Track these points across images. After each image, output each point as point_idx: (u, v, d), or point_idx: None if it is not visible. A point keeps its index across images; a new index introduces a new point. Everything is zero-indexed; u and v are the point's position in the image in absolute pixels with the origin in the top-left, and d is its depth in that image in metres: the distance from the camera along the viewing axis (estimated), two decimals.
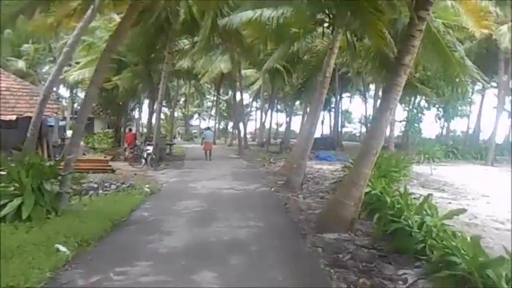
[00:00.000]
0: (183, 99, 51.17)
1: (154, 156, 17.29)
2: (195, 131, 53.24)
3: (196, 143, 36.61)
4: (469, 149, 27.05)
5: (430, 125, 33.15)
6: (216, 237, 7.04)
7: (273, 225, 8.13)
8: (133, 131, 24.43)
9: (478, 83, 19.14)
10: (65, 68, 18.80)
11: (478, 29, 10.65)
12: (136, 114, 36.17)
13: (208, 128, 28.31)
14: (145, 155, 17.56)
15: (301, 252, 6.55)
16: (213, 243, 6.74)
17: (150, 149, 17.55)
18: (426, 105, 29.29)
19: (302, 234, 7.54)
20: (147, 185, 11.94)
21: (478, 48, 19.23)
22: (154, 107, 22.15)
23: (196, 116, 58.91)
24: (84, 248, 6.07)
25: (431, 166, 18.00)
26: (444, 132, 34.90)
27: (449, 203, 10.19)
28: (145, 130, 27.53)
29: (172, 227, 7.66)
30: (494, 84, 28.53)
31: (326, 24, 13.80)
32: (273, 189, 12.66)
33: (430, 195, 7.11)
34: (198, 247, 6.50)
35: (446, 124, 34.40)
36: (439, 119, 31.85)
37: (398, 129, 33.22)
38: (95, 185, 11.44)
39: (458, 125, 36.62)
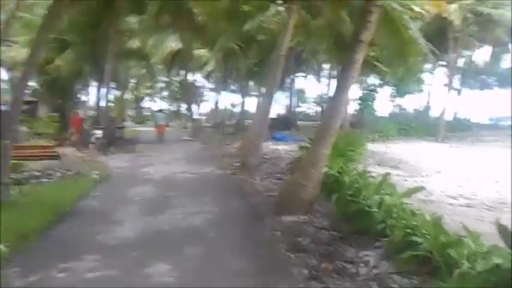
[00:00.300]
0: (133, 80, 49.31)
1: (103, 141, 16.45)
2: (148, 113, 51.64)
3: (148, 126, 35.50)
4: (421, 127, 27.86)
5: (383, 104, 33.82)
6: (171, 225, 6.67)
7: (230, 210, 7.86)
8: (80, 115, 23.18)
9: (428, 62, 19.74)
10: (3, 48, 17.38)
11: (430, 8, 10.70)
12: (84, 97, 34.43)
13: (161, 110, 27.48)
14: (93, 140, 16.67)
15: (260, 237, 6.34)
16: (167, 231, 6.37)
17: (99, 133, 16.69)
18: (379, 83, 29.87)
19: (260, 217, 7.32)
20: (95, 172, 11.25)
21: (428, 27, 19.68)
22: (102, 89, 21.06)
23: (148, 98, 57.11)
24: (23, 243, 5.51)
25: (386, 144, 18.34)
26: (397, 110, 35.85)
27: (405, 180, 10.32)
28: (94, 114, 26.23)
29: (123, 216, 7.19)
30: (443, 63, 29.45)
31: (280, 2, 13.50)
32: (229, 171, 12.37)
33: (388, 174, 7.06)
34: (151, 237, 6.12)
35: (398, 102, 35.35)
36: (393, 97, 32.67)
37: (352, 108, 33.75)
38: (38, 173, 10.62)
39: (410, 103, 37.65)
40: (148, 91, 54.15)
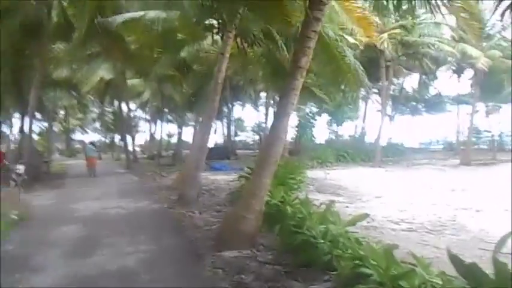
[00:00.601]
0: (62, 112, 46.82)
1: (25, 177, 15.06)
2: (78, 146, 49.10)
3: (79, 159, 33.63)
4: (357, 152, 28.63)
5: (320, 131, 34.65)
6: (99, 269, 5.94)
7: (167, 248, 7.24)
8: (1, 149, 21.33)
9: (362, 89, 20.50)
10: None
11: (363, 37, 11.02)
12: (6, 129, 31.98)
13: (92, 143, 26.01)
14: (14, 176, 15.20)
15: (200, 277, 5.80)
16: (95, 277, 5.65)
17: (21, 168, 15.26)
18: (316, 111, 30.57)
19: (200, 254, 6.80)
20: (14, 212, 10.10)
21: (361, 55, 20.57)
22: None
23: (79, 129, 54.43)
24: None
25: (325, 170, 18.49)
26: (333, 137, 36.78)
27: (347, 207, 10.25)
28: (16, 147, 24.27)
29: (43, 261, 6.34)
30: (375, 90, 30.83)
31: (216, 30, 13.34)
32: (165, 205, 11.68)
33: (332, 202, 6.88)
34: (75, 284, 5.38)
35: (335, 129, 36.32)
36: (330, 124, 33.57)
37: (290, 135, 34.22)
38: None
39: (345, 130, 38.92)
40: (79, 122, 51.66)
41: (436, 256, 6.22)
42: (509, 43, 23.25)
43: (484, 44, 23.00)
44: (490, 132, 31.45)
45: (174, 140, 46.60)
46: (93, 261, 6.34)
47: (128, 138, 28.96)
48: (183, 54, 16.16)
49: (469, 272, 3.31)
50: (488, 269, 3.49)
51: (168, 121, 45.71)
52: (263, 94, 35.59)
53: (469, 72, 27.95)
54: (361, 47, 12.44)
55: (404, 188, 14.08)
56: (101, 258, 6.49)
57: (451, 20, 22.92)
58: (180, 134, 34.09)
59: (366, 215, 6.68)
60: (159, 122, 37.66)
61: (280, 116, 7.08)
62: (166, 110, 36.31)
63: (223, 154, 29.69)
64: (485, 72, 22.77)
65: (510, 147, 34.90)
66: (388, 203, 11.03)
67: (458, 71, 29.68)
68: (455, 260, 3.39)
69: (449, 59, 26.09)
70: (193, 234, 8.21)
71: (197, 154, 12.89)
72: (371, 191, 13.33)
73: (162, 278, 5.64)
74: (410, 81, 35.71)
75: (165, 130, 46.83)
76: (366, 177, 18.08)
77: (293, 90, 6.84)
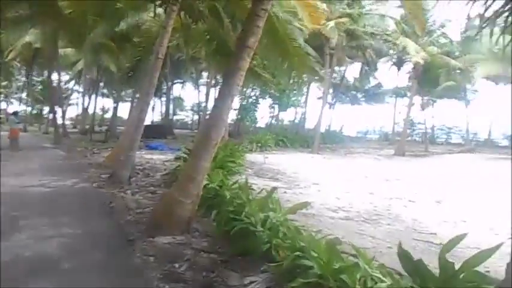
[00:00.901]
0: None
1: None
2: (1, 116, 45.43)
3: (2, 130, 31.09)
4: (297, 138, 28.89)
5: (261, 114, 34.58)
6: (15, 256, 5.29)
7: (94, 232, 6.67)
8: None
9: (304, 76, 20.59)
10: None
11: (310, 24, 10.82)
12: None
13: (15, 113, 23.92)
14: None
15: (129, 265, 5.36)
16: (10, 264, 5.01)
17: None
18: (259, 94, 30.43)
19: (130, 240, 6.32)
20: None
21: (306, 42, 20.52)
22: None
23: (2, 98, 50.30)
24: None
25: (265, 155, 18.39)
26: (273, 121, 36.91)
27: (285, 192, 10.16)
28: None
29: None
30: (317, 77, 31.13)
31: (159, 2, 12.58)
32: (95, 184, 10.93)
33: (275, 188, 6.66)
34: None
35: (276, 114, 36.40)
36: (273, 108, 33.61)
37: (230, 117, 33.87)
38: None
39: (286, 115, 39.17)
40: (2, 90, 47.68)
41: (373, 246, 6.26)
42: (448, 40, 24.43)
43: (425, 39, 23.92)
44: (423, 125, 33.06)
45: (108, 115, 44.56)
46: (8, 246, 5.64)
47: (58, 110, 27.11)
48: (122, 24, 15.14)
49: (415, 269, 3.20)
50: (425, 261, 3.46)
51: (103, 95, 43.50)
52: (205, 73, 34.83)
53: (408, 66, 29.07)
54: (307, 34, 12.26)
55: (341, 176, 14.33)
56: (17, 243, 5.81)
57: (396, 13, 23.72)
58: (115, 109, 32.45)
59: (307, 204, 6.56)
60: (93, 95, 35.61)
61: (224, 96, 6.71)
62: (101, 83, 34.46)
63: (160, 133, 28.80)
64: (423, 66, 23.71)
65: (442, 140, 37.30)
66: (325, 190, 11.11)
67: (398, 64, 30.79)
68: (404, 256, 3.26)
69: (391, 51, 26.88)
70: (124, 217, 7.68)
71: (132, 131, 12.18)
72: (309, 177, 13.41)
73: (85, 266, 5.12)
74: (352, 71, 36.58)
75: (100, 104, 44.56)
76: (305, 163, 18.24)
77: (239, 71, 6.47)
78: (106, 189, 10.23)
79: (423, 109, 30.71)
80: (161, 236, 6.36)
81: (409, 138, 33.10)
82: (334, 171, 15.67)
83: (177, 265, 5.29)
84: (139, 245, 6.02)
